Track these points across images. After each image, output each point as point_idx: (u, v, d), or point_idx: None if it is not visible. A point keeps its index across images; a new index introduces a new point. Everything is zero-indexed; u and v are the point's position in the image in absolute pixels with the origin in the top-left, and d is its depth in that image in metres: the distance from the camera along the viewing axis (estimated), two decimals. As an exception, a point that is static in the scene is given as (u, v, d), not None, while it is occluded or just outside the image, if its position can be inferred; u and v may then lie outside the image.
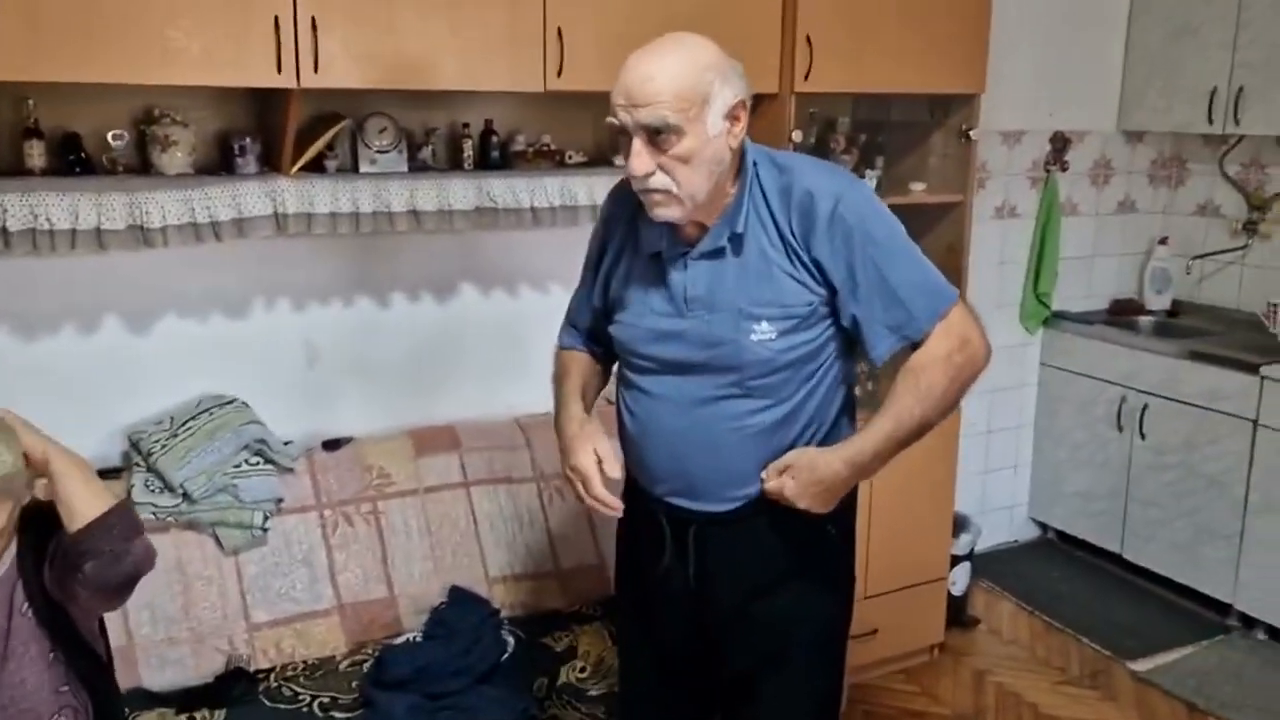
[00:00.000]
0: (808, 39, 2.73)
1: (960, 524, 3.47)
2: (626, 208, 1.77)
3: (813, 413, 1.70)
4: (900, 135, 3.25)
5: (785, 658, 1.78)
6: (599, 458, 1.70)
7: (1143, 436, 3.63)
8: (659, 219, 1.63)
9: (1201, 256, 3.94)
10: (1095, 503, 3.84)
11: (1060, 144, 3.82)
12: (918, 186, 3.16)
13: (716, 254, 1.66)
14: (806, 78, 2.75)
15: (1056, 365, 3.94)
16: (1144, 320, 3.93)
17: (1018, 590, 3.69)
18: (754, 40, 2.72)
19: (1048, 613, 3.56)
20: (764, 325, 1.62)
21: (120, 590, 1.71)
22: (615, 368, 1.90)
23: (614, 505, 1.71)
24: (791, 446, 1.68)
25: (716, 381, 1.66)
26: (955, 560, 3.42)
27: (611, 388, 1.92)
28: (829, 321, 1.67)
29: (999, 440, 3.98)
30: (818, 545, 1.77)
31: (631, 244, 1.77)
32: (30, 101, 2.25)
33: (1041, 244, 3.81)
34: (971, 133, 3.09)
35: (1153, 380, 3.59)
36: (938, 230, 3.22)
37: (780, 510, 1.67)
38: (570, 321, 1.97)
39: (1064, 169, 3.84)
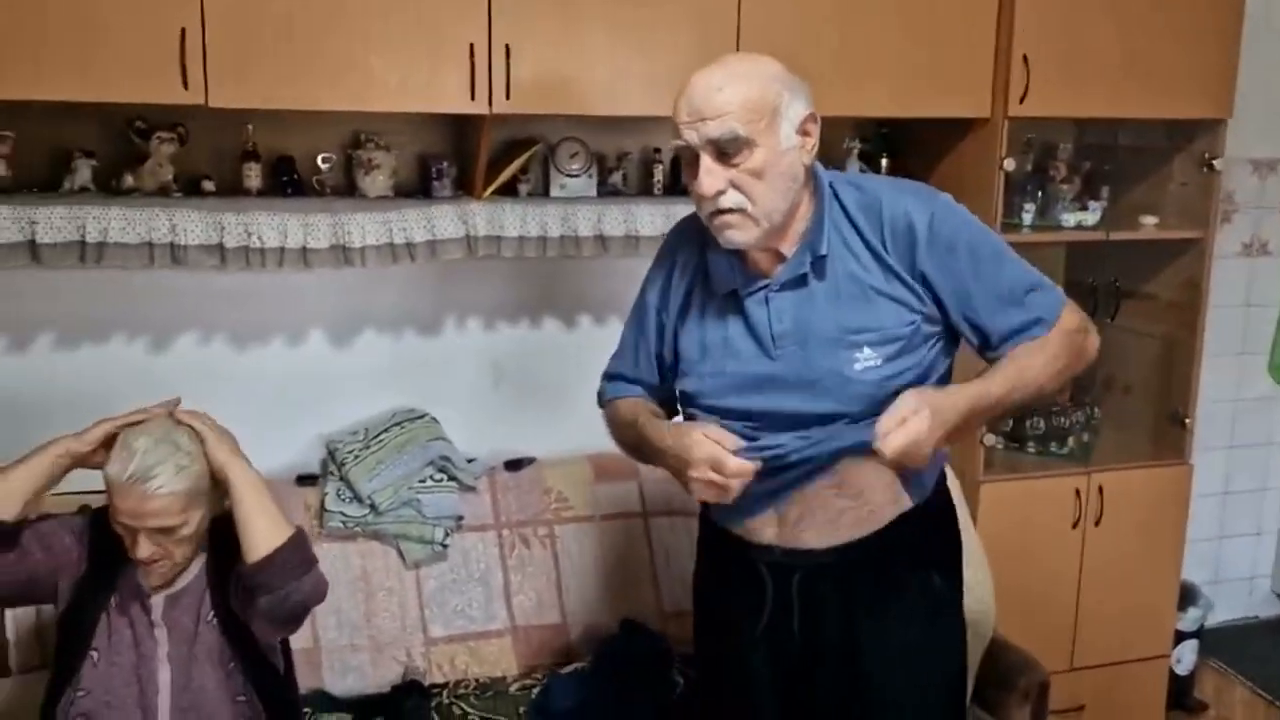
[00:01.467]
0: (1024, 59, 2.54)
1: (1189, 596, 3.13)
2: (693, 244, 1.66)
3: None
4: (1130, 162, 2.97)
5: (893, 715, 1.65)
6: (713, 439, 1.51)
7: None
8: (731, 243, 1.51)
9: None
10: (1356, 582, 3.37)
11: (1324, 174, 3.40)
12: (1149, 220, 2.88)
13: (799, 282, 1.55)
14: (1022, 101, 2.56)
15: (1313, 423, 3.49)
16: None
17: (1255, 675, 3.27)
18: (964, 60, 2.56)
19: (1290, 703, 3.14)
20: (866, 352, 1.52)
21: (290, 622, 1.77)
22: None
23: (751, 467, 1.50)
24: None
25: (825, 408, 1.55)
26: (1181, 636, 3.08)
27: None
28: (932, 343, 1.56)
29: (1239, 503, 3.56)
30: (925, 596, 1.65)
31: (701, 285, 1.65)
32: (250, 126, 2.41)
33: (1298, 286, 3.39)
34: (1215, 163, 2.78)
35: None
36: (1173, 267, 2.93)
37: (888, 555, 1.59)
38: (615, 374, 1.84)
39: (1327, 202, 3.41)
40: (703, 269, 1.65)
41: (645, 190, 2.70)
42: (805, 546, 1.61)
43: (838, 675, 1.64)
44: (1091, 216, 2.83)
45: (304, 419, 2.65)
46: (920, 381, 1.54)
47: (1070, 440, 2.95)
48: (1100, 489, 2.82)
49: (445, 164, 2.51)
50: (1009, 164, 2.62)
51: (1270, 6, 3.02)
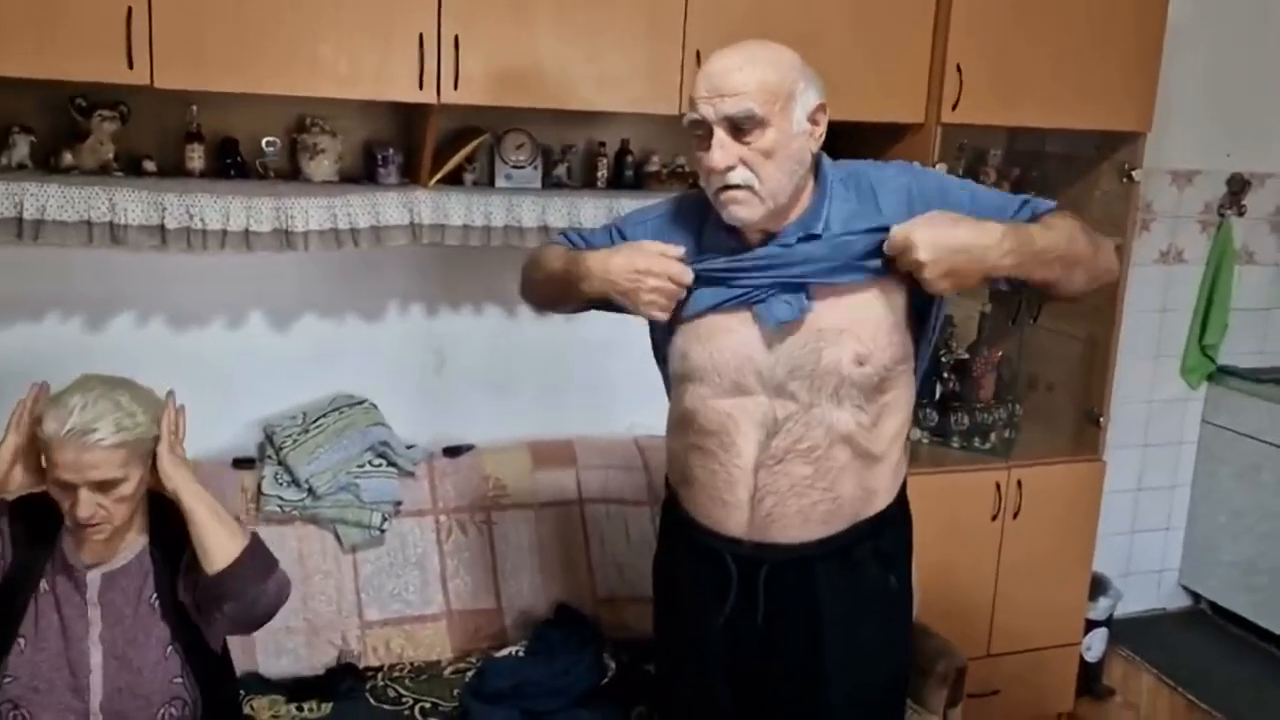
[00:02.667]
0: (958, 68, 2.63)
1: (1100, 586, 3.27)
2: (694, 214, 1.71)
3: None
4: (1057, 169, 3.09)
5: (844, 710, 1.71)
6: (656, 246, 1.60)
7: (1314, 508, 3.33)
8: (734, 218, 1.56)
9: (1396, 316, 3.60)
10: (1256, 576, 3.53)
11: (1238, 186, 3.55)
12: (1072, 226, 2.99)
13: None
14: (954, 108, 2.65)
15: (1220, 424, 3.65)
16: (1324, 382, 3.61)
17: (1161, 663, 3.42)
18: (900, 66, 2.64)
19: (1193, 690, 3.29)
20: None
21: (257, 625, 1.82)
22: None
23: (687, 278, 1.58)
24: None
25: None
26: (1092, 625, 3.22)
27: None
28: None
29: (1150, 499, 3.72)
30: (883, 596, 1.71)
31: (690, 255, 1.67)
32: (194, 107, 2.39)
33: (1210, 293, 3.54)
34: (1135, 174, 2.91)
35: (1329, 448, 3.29)
36: (1093, 272, 3.05)
37: (852, 553, 1.65)
38: (570, 240, 1.85)
39: (1241, 213, 3.57)
40: (686, 239, 1.67)
41: (589, 184, 2.74)
42: (774, 540, 1.65)
43: (796, 668, 1.70)
44: (1018, 221, 2.93)
45: (242, 402, 2.64)
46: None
47: (992, 436, 3.07)
48: (1019, 483, 2.94)
49: (391, 151, 2.52)
50: (941, 168, 2.71)
51: (1191, 26, 3.15)
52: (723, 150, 1.52)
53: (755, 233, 1.61)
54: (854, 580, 1.67)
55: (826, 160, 1.65)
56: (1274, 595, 3.47)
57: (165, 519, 1.81)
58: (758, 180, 1.53)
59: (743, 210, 1.55)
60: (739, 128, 1.51)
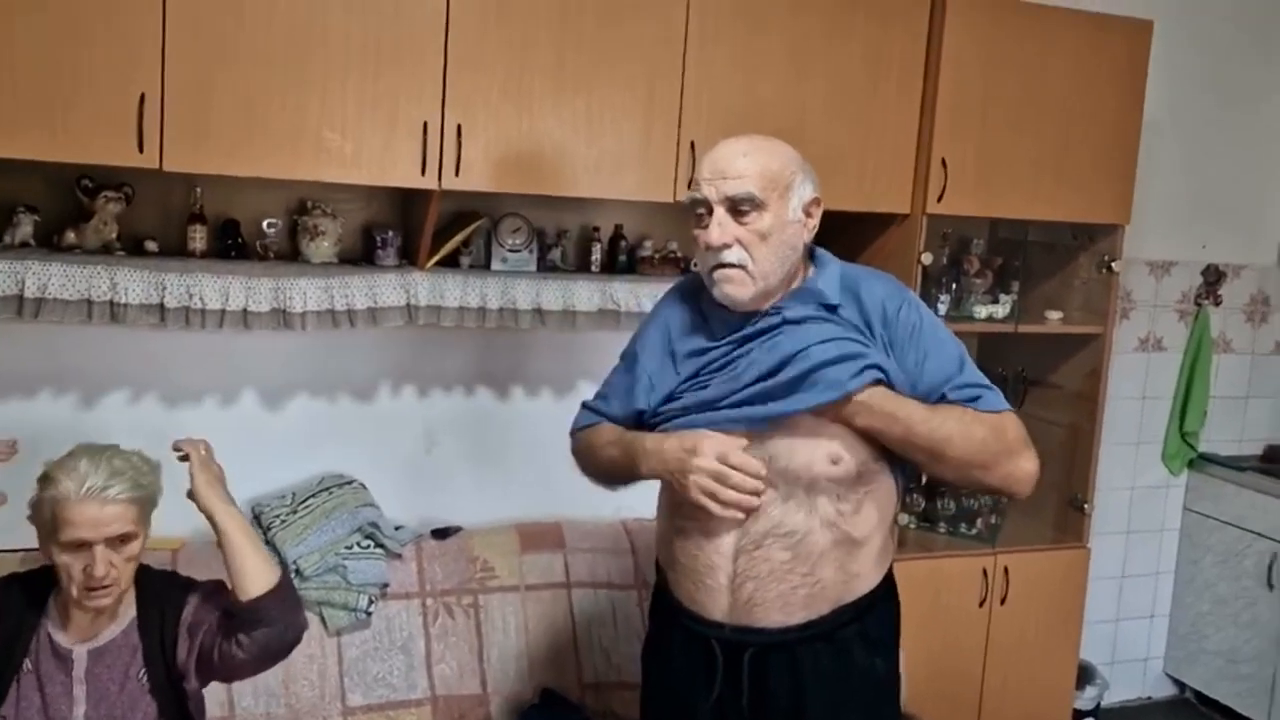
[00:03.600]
0: (943, 161, 2.72)
1: (1087, 675, 3.26)
2: (687, 303, 1.76)
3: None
4: (1039, 258, 3.17)
5: None
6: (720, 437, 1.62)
7: (1297, 597, 3.35)
8: (726, 297, 1.63)
9: (1369, 407, 3.67)
10: (1241, 665, 3.54)
11: (1214, 277, 3.65)
12: (1054, 315, 3.06)
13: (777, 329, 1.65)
14: (940, 199, 2.73)
15: (1201, 511, 3.69)
16: (1301, 470, 3.66)
17: (1148, 753, 3.41)
18: (887, 159, 2.73)
19: (1182, 782, 3.28)
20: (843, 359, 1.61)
21: (280, 655, 1.82)
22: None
23: (756, 464, 1.60)
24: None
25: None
26: (1079, 715, 3.20)
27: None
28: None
29: (1134, 586, 3.73)
30: (869, 681, 1.72)
31: (701, 334, 1.72)
32: (198, 189, 2.43)
33: (1189, 381, 3.61)
34: (1114, 265, 2.99)
35: (1309, 537, 3.32)
36: (1076, 359, 3.11)
37: (836, 637, 1.66)
38: (596, 410, 1.87)
39: (1217, 303, 3.66)
40: (694, 325, 1.73)
41: (583, 267, 2.79)
42: (757, 625, 1.66)
43: None
44: (1002, 309, 3.00)
45: (231, 481, 2.59)
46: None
47: (979, 522, 3.09)
48: (1006, 569, 2.95)
49: (390, 233, 2.56)
50: (927, 258, 2.78)
51: (1166, 121, 3.27)
52: (721, 228, 1.60)
53: (744, 314, 1.67)
54: (840, 664, 1.68)
55: (822, 252, 1.72)
56: (1258, 685, 3.47)
57: (152, 592, 1.81)
58: (751, 260, 1.60)
59: (734, 289, 1.62)
60: (738, 209, 1.60)
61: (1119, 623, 3.71)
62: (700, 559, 1.68)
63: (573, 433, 1.92)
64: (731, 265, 1.60)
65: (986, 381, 1.68)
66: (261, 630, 1.74)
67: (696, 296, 1.77)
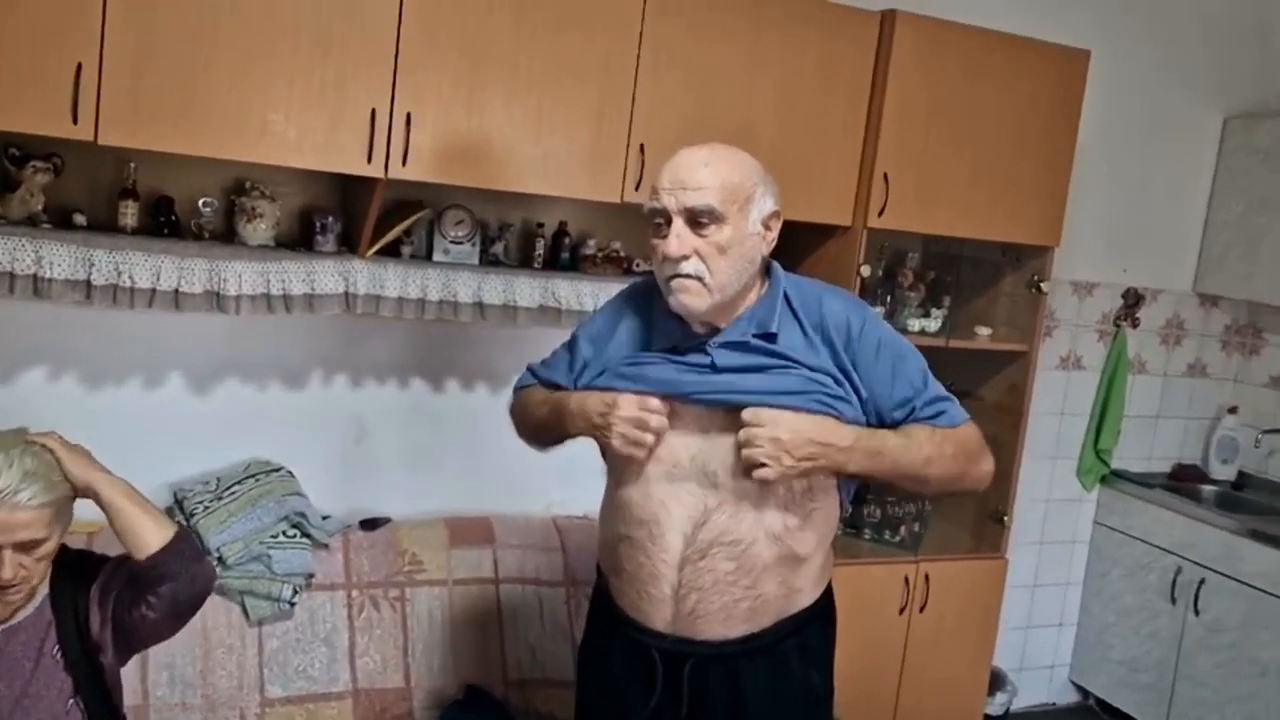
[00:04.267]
0: (885, 177, 2.76)
1: (997, 681, 3.36)
2: (640, 306, 1.76)
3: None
4: (970, 274, 3.24)
5: None
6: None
7: (1197, 612, 3.49)
8: (682, 307, 1.62)
9: (1273, 431, 3.83)
10: (1142, 674, 3.68)
11: (1133, 300, 3.78)
12: (984, 331, 3.14)
13: (738, 347, 1.66)
14: (881, 214, 2.78)
15: (1111, 525, 3.82)
16: (1206, 490, 3.81)
17: (1051, 758, 3.53)
18: (831, 172, 2.76)
19: (1082, 786, 3.40)
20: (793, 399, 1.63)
21: (189, 611, 1.79)
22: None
23: (663, 418, 1.64)
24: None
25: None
26: (989, 719, 3.29)
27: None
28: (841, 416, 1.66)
29: (1044, 595, 3.85)
30: (805, 693, 1.75)
31: (641, 341, 1.73)
32: (132, 164, 2.35)
33: (1106, 399, 3.74)
34: (1043, 285, 3.08)
35: (1211, 554, 3.46)
36: (1002, 375, 3.20)
37: (775, 650, 1.68)
38: (535, 374, 1.91)
39: (1135, 325, 3.79)
40: (645, 330, 1.73)
41: (525, 262, 2.77)
42: (699, 637, 1.68)
43: None
44: (933, 323, 3.07)
45: (153, 465, 2.54)
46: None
47: (902, 529, 3.15)
48: (927, 577, 3.02)
49: (330, 219, 2.51)
50: (865, 270, 2.83)
51: (1095, 146, 3.37)
52: (679, 240, 1.59)
53: (701, 325, 1.67)
54: (777, 676, 1.70)
55: (778, 266, 1.72)
56: (1157, 694, 3.61)
57: (65, 568, 1.77)
58: (708, 273, 1.60)
59: (691, 300, 1.61)
60: (697, 220, 1.59)
61: (1029, 630, 3.83)
62: (645, 568, 1.68)
63: (515, 390, 1.96)
64: (689, 276, 1.60)
65: (946, 393, 1.71)
66: (166, 586, 1.71)
67: (649, 299, 1.75)
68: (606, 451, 1.75)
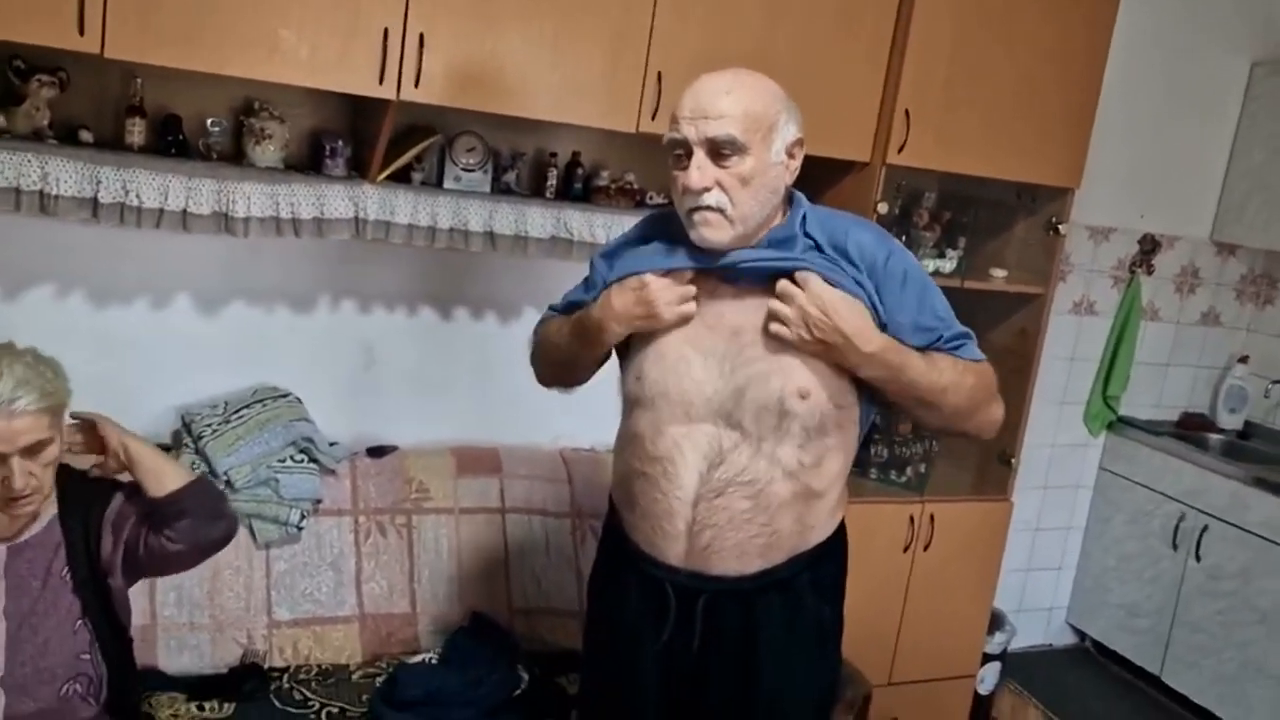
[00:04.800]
0: (906, 113, 2.70)
1: (996, 621, 3.38)
2: (660, 234, 1.72)
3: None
4: (986, 216, 3.19)
5: None
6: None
7: (1198, 559, 3.50)
8: (704, 240, 1.59)
9: (1283, 381, 3.82)
10: (1139, 619, 3.71)
11: (1149, 246, 3.74)
12: (999, 273, 3.10)
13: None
14: (900, 150, 2.72)
15: (1116, 471, 3.83)
16: (1214, 438, 3.81)
17: (1047, 698, 3.56)
18: (851, 106, 2.70)
19: (1075, 726, 3.44)
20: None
21: (212, 548, 1.87)
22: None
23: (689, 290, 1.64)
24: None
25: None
26: (987, 658, 3.32)
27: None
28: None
29: (1046, 539, 3.87)
30: (817, 627, 1.75)
31: (658, 265, 1.68)
32: (139, 80, 2.30)
33: (1117, 346, 3.71)
34: (1061, 227, 3.03)
35: (1215, 502, 3.47)
36: (1014, 318, 3.17)
37: (790, 585, 1.68)
38: (556, 309, 1.90)
39: (1149, 272, 3.75)
40: (665, 253, 1.68)
41: (537, 192, 2.73)
42: (713, 572, 1.67)
43: (729, 695, 1.72)
44: (949, 264, 3.03)
45: (161, 386, 2.55)
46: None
47: (909, 470, 3.15)
48: (932, 517, 3.02)
49: (340, 142, 2.46)
50: (882, 207, 2.79)
51: (1118, 89, 3.30)
52: (700, 171, 1.54)
53: (721, 255, 1.63)
54: (791, 611, 1.70)
55: (801, 196, 1.68)
56: (1154, 638, 3.65)
57: (74, 490, 1.80)
58: (730, 204, 1.55)
59: (712, 233, 1.58)
60: (719, 151, 1.53)
61: (1029, 572, 3.86)
62: (660, 503, 1.67)
63: (533, 333, 1.93)
64: (710, 208, 1.55)
65: (966, 329, 1.69)
66: (186, 521, 1.78)
67: (666, 226, 1.71)
68: (626, 380, 1.73)
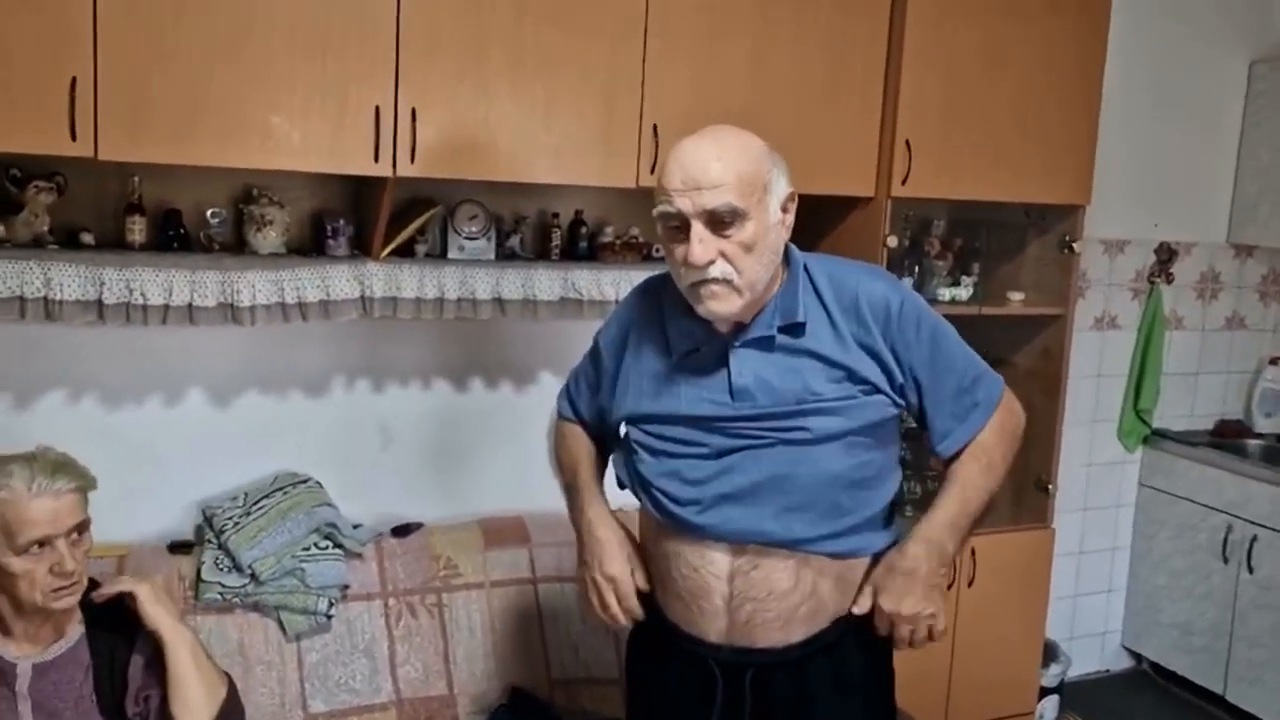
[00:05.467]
0: (907, 143, 2.68)
1: (1051, 653, 3.28)
2: (654, 307, 1.68)
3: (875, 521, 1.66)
4: (997, 239, 3.15)
5: None
6: (631, 566, 1.69)
7: (1250, 570, 3.40)
8: (713, 314, 1.52)
9: (1316, 380, 3.73)
10: (1196, 637, 3.59)
11: (1166, 255, 3.68)
12: (1016, 296, 3.06)
13: (763, 344, 1.57)
14: (904, 183, 2.70)
15: (1156, 486, 3.73)
16: (1252, 444, 3.71)
17: (1110, 727, 3.45)
18: (851, 142, 2.68)
19: (1142, 754, 3.32)
20: (824, 418, 1.55)
21: None
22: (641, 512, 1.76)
23: (640, 616, 1.70)
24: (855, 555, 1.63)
25: (776, 501, 1.56)
26: (1044, 692, 3.22)
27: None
28: (879, 406, 1.59)
29: (1091, 562, 3.77)
30: (870, 684, 1.70)
31: (659, 345, 1.65)
32: (136, 178, 2.30)
33: (1143, 358, 3.65)
34: (1075, 245, 2.99)
35: (1262, 511, 3.37)
36: (1036, 340, 3.11)
37: (840, 645, 1.63)
38: (571, 397, 1.88)
39: (1169, 281, 3.69)
40: (661, 333, 1.64)
41: (543, 254, 2.71)
42: (758, 645, 1.60)
43: None
44: (964, 291, 2.99)
45: (179, 483, 2.52)
46: (867, 436, 1.58)
47: (944, 504, 3.07)
48: (974, 552, 2.94)
49: (341, 222, 2.45)
50: (892, 240, 2.75)
51: (1119, 100, 3.27)
52: (703, 245, 1.47)
53: (725, 323, 1.58)
54: (840, 671, 1.64)
55: (794, 248, 1.62)
56: (1212, 656, 3.53)
57: (97, 616, 1.77)
58: (737, 274, 1.49)
59: (720, 305, 1.51)
60: (721, 220, 1.47)
61: (1077, 598, 3.75)
62: (693, 580, 1.61)
63: (556, 416, 1.93)
64: (715, 280, 1.48)
65: (982, 367, 1.65)
66: None
67: (657, 298, 1.67)
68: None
